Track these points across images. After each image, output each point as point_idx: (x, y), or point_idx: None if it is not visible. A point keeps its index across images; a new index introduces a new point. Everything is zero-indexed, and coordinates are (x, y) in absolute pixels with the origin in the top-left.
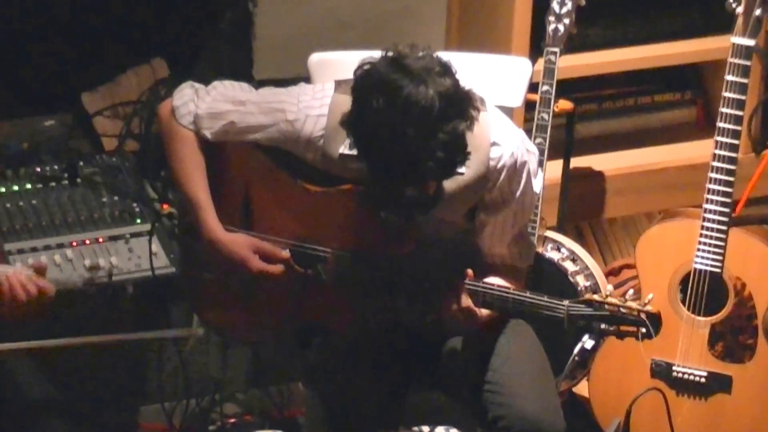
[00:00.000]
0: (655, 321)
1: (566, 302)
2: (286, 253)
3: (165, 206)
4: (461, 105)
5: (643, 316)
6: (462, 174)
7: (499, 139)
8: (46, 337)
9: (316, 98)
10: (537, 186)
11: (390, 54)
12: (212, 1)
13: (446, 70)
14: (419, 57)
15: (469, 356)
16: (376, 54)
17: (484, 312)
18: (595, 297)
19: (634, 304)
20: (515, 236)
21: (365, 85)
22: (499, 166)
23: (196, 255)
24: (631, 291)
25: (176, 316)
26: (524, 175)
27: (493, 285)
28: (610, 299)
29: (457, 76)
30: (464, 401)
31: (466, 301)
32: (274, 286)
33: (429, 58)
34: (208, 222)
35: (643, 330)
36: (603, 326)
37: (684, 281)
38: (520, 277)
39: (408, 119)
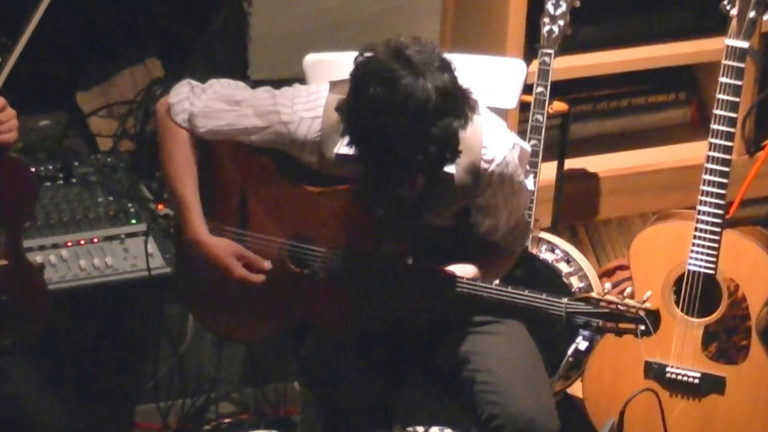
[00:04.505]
0: (653, 318)
1: (565, 300)
2: (268, 264)
3: (160, 206)
4: (458, 102)
5: (641, 313)
6: (453, 175)
7: (492, 143)
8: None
9: (311, 100)
10: (530, 184)
11: (392, 44)
12: (207, 1)
13: (446, 66)
14: (420, 50)
15: (464, 355)
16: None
17: None
18: (593, 295)
19: (632, 302)
20: (510, 227)
21: (365, 73)
22: (490, 169)
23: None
24: (629, 289)
25: (171, 315)
26: (516, 179)
27: (491, 284)
28: (608, 297)
29: (456, 74)
30: (458, 401)
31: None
32: (270, 285)
33: (430, 53)
34: (192, 222)
35: (642, 327)
36: (602, 324)
37: (678, 282)
38: (512, 259)
39: (404, 110)
